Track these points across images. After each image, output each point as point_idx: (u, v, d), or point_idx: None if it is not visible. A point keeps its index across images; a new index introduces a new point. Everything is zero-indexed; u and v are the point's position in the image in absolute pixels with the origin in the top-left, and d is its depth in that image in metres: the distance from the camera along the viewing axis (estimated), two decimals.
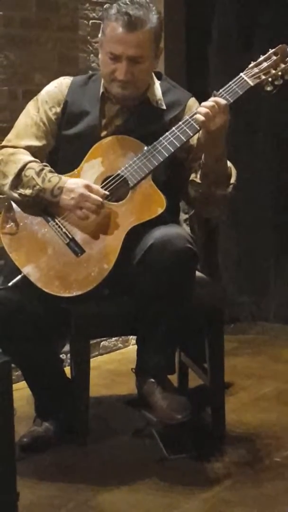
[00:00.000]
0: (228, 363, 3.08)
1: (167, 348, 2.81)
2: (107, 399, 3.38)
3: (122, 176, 2.75)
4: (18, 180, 2.77)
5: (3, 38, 3.48)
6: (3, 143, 2.90)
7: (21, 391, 2.99)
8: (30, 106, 2.91)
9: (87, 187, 2.72)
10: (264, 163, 4.35)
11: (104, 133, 2.85)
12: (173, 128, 2.74)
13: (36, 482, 2.64)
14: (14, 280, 2.73)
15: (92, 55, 3.79)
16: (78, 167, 2.80)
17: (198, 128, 2.69)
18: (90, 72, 3.37)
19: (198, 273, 2.87)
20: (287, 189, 4.36)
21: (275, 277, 4.46)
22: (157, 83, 2.88)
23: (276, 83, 2.76)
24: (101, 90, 2.86)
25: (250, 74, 2.75)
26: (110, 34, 2.73)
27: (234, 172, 2.81)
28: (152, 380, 2.75)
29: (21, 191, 2.77)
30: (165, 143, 2.73)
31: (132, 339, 3.98)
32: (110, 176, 2.77)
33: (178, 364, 3.20)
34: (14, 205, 2.82)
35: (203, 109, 2.66)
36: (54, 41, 3.67)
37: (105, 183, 2.77)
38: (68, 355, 3.28)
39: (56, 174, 2.77)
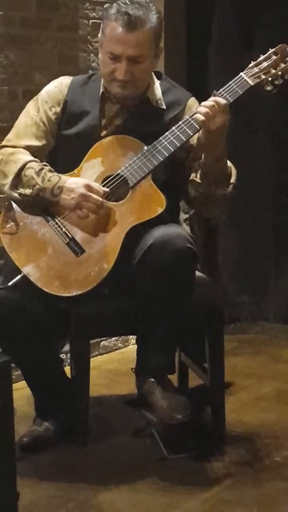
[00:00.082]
0: (228, 363, 3.08)
1: (167, 348, 2.81)
2: (107, 399, 3.38)
3: (122, 175, 2.75)
4: (18, 179, 2.77)
5: (3, 38, 3.48)
6: (3, 143, 2.90)
7: (21, 391, 2.99)
8: (30, 106, 2.91)
9: (87, 186, 2.72)
10: (264, 163, 4.35)
11: (104, 132, 2.85)
12: (173, 128, 2.74)
13: (36, 482, 2.64)
14: (14, 280, 2.73)
15: (92, 54, 3.79)
16: (78, 167, 2.80)
17: (198, 127, 2.69)
18: (90, 71, 3.37)
19: (198, 273, 2.87)
20: (287, 189, 4.36)
21: (275, 277, 4.46)
22: (157, 83, 2.88)
23: (276, 82, 2.76)
24: (101, 89, 2.86)
25: (250, 74, 2.75)
26: (110, 34, 2.73)
27: (234, 171, 2.81)
28: (152, 380, 2.75)
29: (21, 190, 2.77)
30: (165, 143, 2.73)
31: (132, 339, 3.98)
32: (110, 176, 2.77)
33: (178, 364, 3.20)
34: (14, 205, 2.82)
35: (203, 109, 2.66)
36: (54, 41, 3.67)
37: (105, 182, 2.77)
38: (68, 355, 3.28)
39: (56, 174, 2.77)
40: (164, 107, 2.85)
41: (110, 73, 2.76)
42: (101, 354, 3.95)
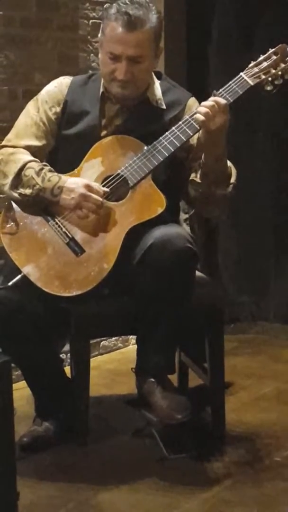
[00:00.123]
0: (228, 363, 3.08)
1: (167, 348, 2.81)
2: (107, 398, 3.38)
3: (122, 175, 2.75)
4: (18, 179, 2.77)
5: (3, 38, 3.48)
6: (3, 143, 2.90)
7: (21, 391, 2.99)
8: (30, 106, 2.91)
9: (87, 186, 2.72)
10: (264, 163, 4.35)
11: (104, 132, 2.85)
12: (173, 128, 2.74)
13: (36, 482, 2.64)
14: (14, 280, 2.73)
15: (92, 54, 3.79)
16: (78, 167, 2.80)
17: (198, 127, 2.69)
18: (90, 71, 3.37)
19: (198, 273, 2.86)
20: (287, 189, 4.36)
21: (275, 277, 4.46)
22: (157, 83, 2.88)
23: (276, 82, 2.76)
24: (101, 89, 2.86)
25: (250, 74, 2.75)
26: (110, 34, 2.73)
27: (234, 171, 2.81)
28: (152, 379, 2.75)
29: (21, 190, 2.77)
30: (165, 143, 2.73)
31: (132, 338, 3.98)
32: (110, 176, 2.77)
33: (178, 364, 3.20)
34: (14, 204, 2.82)
35: (203, 109, 2.66)
36: (54, 41, 3.67)
37: (105, 182, 2.77)
38: (68, 355, 3.28)
39: (55, 174, 2.77)
40: (164, 107, 2.85)
41: (110, 73, 2.76)
42: (101, 354, 3.95)
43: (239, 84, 2.73)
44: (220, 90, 2.72)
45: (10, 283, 2.72)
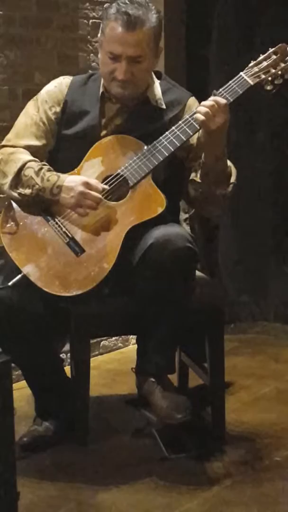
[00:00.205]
0: (228, 363, 3.08)
1: (167, 348, 2.81)
2: (107, 398, 3.37)
3: (122, 175, 2.75)
4: (18, 179, 2.77)
5: (3, 38, 3.48)
6: (3, 142, 2.90)
7: (21, 391, 2.99)
8: (30, 106, 2.91)
9: (86, 184, 2.72)
10: (264, 162, 4.35)
11: (104, 132, 2.84)
12: (173, 128, 2.74)
13: (36, 482, 2.64)
14: (14, 280, 2.72)
15: (92, 54, 3.79)
16: (78, 166, 2.80)
17: (198, 127, 2.69)
18: (90, 71, 3.37)
19: (198, 273, 2.86)
20: (287, 189, 4.36)
21: (275, 277, 4.46)
22: (156, 83, 2.88)
23: (276, 82, 2.76)
24: (101, 89, 2.86)
25: (250, 73, 2.74)
26: (110, 34, 2.73)
27: (234, 171, 2.81)
28: (152, 379, 2.75)
29: (21, 190, 2.77)
30: (165, 143, 2.73)
31: (132, 338, 3.98)
32: (110, 176, 2.77)
33: (178, 364, 3.20)
34: (14, 204, 2.82)
35: (203, 109, 2.66)
36: (54, 41, 3.67)
37: (105, 182, 2.77)
38: (68, 355, 3.28)
39: (54, 173, 2.77)
40: (164, 106, 2.85)
41: (110, 73, 2.76)
42: (101, 354, 3.95)
43: (239, 84, 2.72)
44: (220, 89, 2.72)
45: (10, 283, 2.72)
